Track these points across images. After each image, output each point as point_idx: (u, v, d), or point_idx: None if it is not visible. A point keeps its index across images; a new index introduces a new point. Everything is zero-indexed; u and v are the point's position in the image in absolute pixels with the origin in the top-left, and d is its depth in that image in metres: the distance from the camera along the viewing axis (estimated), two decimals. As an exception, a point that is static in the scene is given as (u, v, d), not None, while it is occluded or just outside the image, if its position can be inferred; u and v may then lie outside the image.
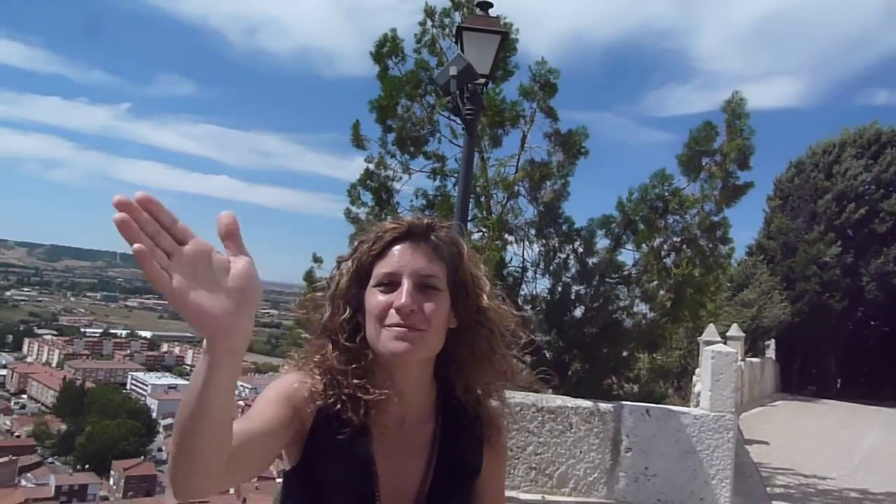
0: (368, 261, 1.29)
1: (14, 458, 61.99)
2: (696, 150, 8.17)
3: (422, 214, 1.39)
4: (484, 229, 8.32)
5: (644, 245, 8.38)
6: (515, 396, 7.03)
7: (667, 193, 8.21)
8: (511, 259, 8.71)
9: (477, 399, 1.35)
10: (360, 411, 1.24)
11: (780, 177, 28.81)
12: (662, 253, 8.43)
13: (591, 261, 8.49)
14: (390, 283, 1.25)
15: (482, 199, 8.55)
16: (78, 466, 66.71)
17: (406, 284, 1.24)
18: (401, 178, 9.04)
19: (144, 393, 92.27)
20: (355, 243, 1.34)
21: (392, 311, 1.23)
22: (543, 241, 8.50)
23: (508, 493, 6.66)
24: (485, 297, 1.33)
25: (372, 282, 1.28)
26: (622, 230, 8.43)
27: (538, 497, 6.69)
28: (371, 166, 8.98)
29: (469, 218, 8.27)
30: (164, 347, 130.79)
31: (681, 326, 10.14)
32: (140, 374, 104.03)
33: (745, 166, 8.17)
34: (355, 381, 1.25)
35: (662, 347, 9.83)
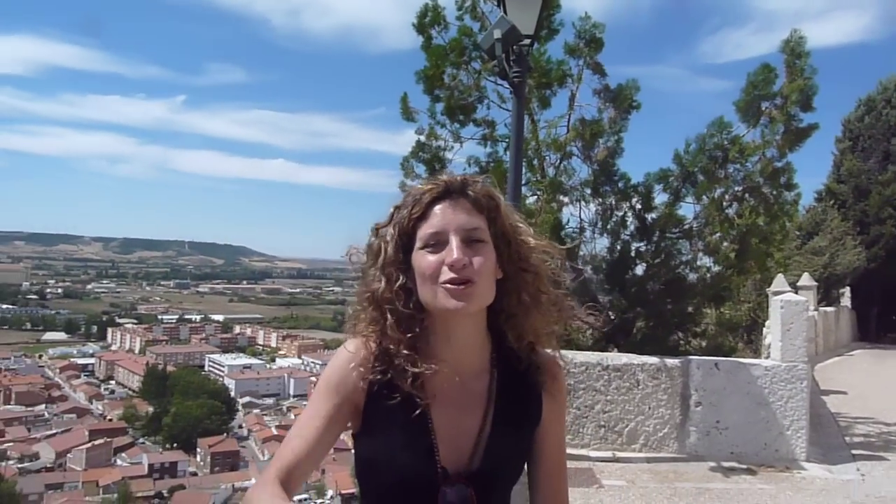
0: (410, 224, 1.32)
1: (109, 439, 65.76)
2: (754, 94, 7.88)
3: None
4: (539, 192, 8.28)
5: (704, 197, 8.18)
6: (578, 357, 7.06)
7: (726, 142, 7.96)
8: (568, 221, 8.66)
9: (531, 346, 1.39)
10: (409, 379, 1.30)
11: (849, 117, 27.38)
12: (724, 204, 8.21)
13: (650, 216, 8.35)
14: (437, 243, 1.29)
15: (535, 162, 8.49)
16: (167, 445, 70.20)
17: (454, 240, 1.27)
18: (452, 147, 9.06)
19: (222, 374, 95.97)
20: (392, 209, 1.36)
21: (444, 268, 1.26)
22: (599, 199, 8.40)
23: (579, 452, 6.73)
24: (525, 243, 1.36)
25: (418, 244, 1.31)
26: (681, 183, 8.25)
27: (609, 454, 6.73)
28: (422, 138, 9.03)
29: (523, 182, 8.26)
30: (237, 329, 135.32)
31: (748, 278, 9.90)
32: (216, 356, 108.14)
33: (808, 108, 7.84)
34: (406, 351, 1.29)
35: (729, 301, 9.62)
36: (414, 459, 1.29)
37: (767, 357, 7.59)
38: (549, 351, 1.43)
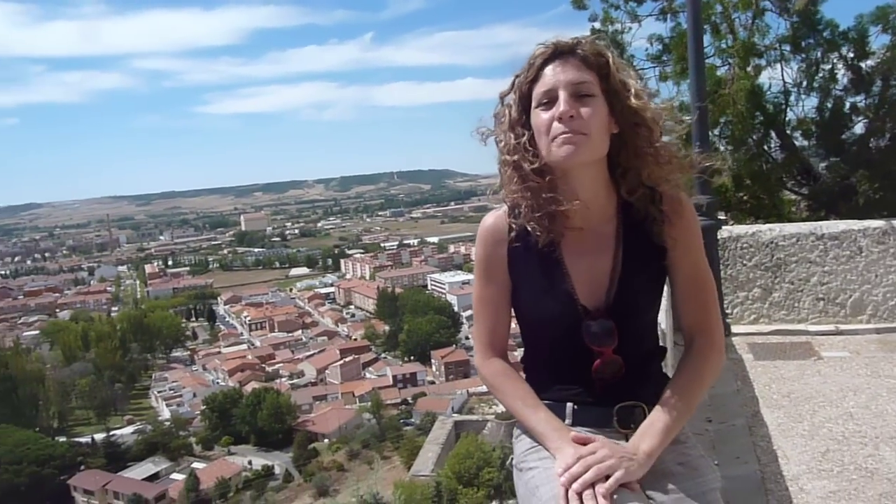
0: (527, 87, 1.46)
1: (356, 356, 74.06)
2: None
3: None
4: (730, 59, 7.62)
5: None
6: (787, 228, 6.60)
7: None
8: (769, 86, 7.90)
9: (651, 190, 1.48)
10: (547, 223, 1.46)
11: None
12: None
13: (867, 64, 7.32)
14: (549, 100, 1.41)
15: (722, 26, 7.78)
16: (405, 358, 77.38)
17: (562, 95, 1.39)
18: (629, 28, 8.60)
19: (443, 291, 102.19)
20: (514, 77, 1.49)
21: (555, 122, 1.40)
22: (802, 55, 7.53)
23: (796, 326, 6.38)
24: (636, 98, 1.43)
25: (533, 104, 1.45)
26: (905, 19, 7.09)
27: (831, 327, 6.31)
28: (596, 24, 8.70)
29: (710, 52, 7.65)
30: (451, 249, 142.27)
31: None
32: (436, 275, 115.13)
33: None
34: (544, 195, 1.44)
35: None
36: (556, 302, 1.47)
37: None
38: (671, 190, 1.50)
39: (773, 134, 7.94)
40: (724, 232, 5.91)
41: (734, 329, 5.82)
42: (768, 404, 4.07)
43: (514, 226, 1.51)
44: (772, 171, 7.93)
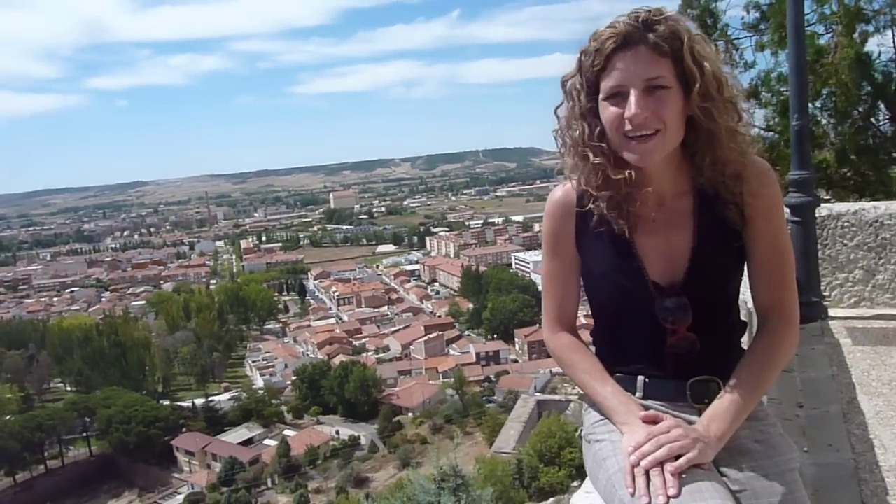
0: (594, 76, 1.38)
1: (440, 333, 75.03)
2: None
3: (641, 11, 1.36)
4: (834, 26, 7.14)
5: None
6: (894, 206, 6.16)
7: None
8: (878, 54, 7.34)
9: (728, 164, 1.42)
10: (622, 213, 1.43)
11: None
12: None
13: None
14: (619, 94, 1.34)
15: (827, -10, 7.28)
16: (488, 336, 77.72)
17: (633, 94, 1.32)
18: (725, -5, 8.18)
19: (528, 270, 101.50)
20: (579, 55, 1.41)
21: (626, 120, 1.34)
22: (917, 19, 6.94)
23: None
24: (714, 79, 1.36)
25: (602, 95, 1.38)
26: None
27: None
28: (691, -6, 8.31)
29: (812, 19, 7.21)
30: (536, 228, 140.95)
31: None
32: (521, 254, 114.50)
33: None
34: (614, 178, 1.41)
35: None
36: (625, 279, 1.45)
37: None
38: (752, 159, 1.45)
39: (881, 105, 7.39)
40: (824, 210, 5.59)
41: (832, 312, 5.51)
42: (866, 391, 3.86)
43: (582, 203, 1.49)
44: (880, 146, 7.40)
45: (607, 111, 1.37)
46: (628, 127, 1.34)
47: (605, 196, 1.43)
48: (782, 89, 7.39)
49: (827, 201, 6.35)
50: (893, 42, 7.18)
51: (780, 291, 1.48)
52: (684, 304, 1.41)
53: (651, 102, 1.32)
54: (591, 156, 1.42)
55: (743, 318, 1.58)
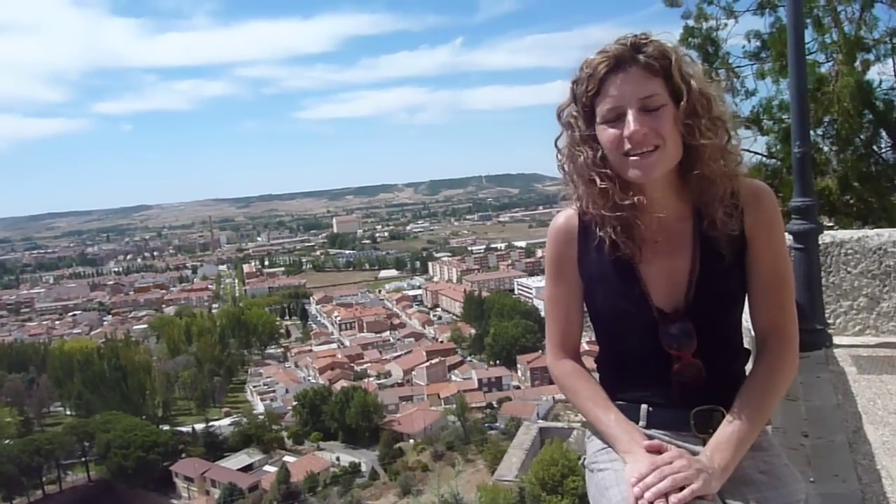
0: (589, 100, 1.40)
1: (442, 359, 74.67)
2: None
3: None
4: (834, 55, 7.19)
5: None
6: (898, 233, 6.16)
7: None
8: (879, 82, 7.38)
9: (724, 178, 1.41)
10: (627, 237, 1.43)
11: None
12: None
13: None
14: (616, 117, 1.36)
15: (826, 20, 7.35)
16: (491, 362, 77.31)
17: (630, 113, 1.34)
18: (725, 24, 8.26)
19: (530, 295, 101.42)
20: (571, 85, 1.43)
21: (625, 139, 1.35)
22: (917, 48, 7.00)
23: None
24: (701, 95, 1.38)
25: (598, 119, 1.39)
26: None
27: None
28: (690, 22, 8.38)
29: (813, 48, 7.27)
30: (539, 253, 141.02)
31: None
32: (523, 280, 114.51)
33: None
34: (616, 200, 1.41)
35: None
36: (629, 305, 1.44)
37: None
38: (748, 180, 1.45)
39: (883, 133, 7.41)
40: (827, 237, 5.57)
41: (836, 340, 5.47)
42: (872, 420, 3.81)
43: (584, 228, 1.49)
44: (882, 173, 7.41)
45: (606, 133, 1.38)
46: (628, 146, 1.35)
47: (612, 220, 1.43)
48: (784, 117, 7.42)
49: (830, 228, 6.34)
50: (894, 70, 7.24)
51: (780, 313, 1.47)
52: (689, 330, 1.41)
53: (648, 120, 1.34)
54: (597, 180, 1.42)
55: (747, 345, 1.56)
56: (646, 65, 1.35)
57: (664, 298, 1.43)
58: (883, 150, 7.43)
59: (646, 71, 1.35)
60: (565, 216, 1.53)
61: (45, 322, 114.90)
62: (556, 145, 1.51)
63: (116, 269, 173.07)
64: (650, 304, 1.43)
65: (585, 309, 1.56)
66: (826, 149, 7.53)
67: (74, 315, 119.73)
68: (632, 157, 1.35)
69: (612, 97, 1.36)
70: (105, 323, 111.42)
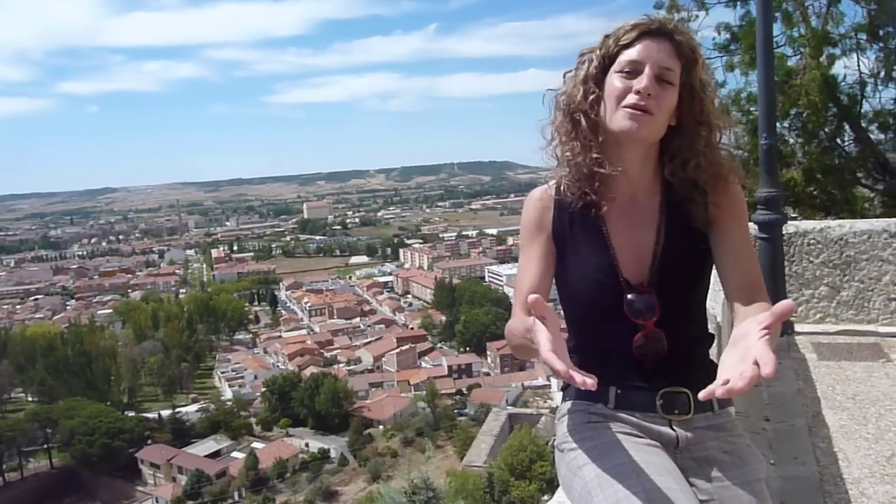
0: (616, 49, 1.46)
1: (413, 345, 74.80)
2: None
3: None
4: (801, 48, 7.33)
5: None
6: (858, 224, 6.33)
7: None
8: (843, 76, 7.56)
9: (696, 165, 1.47)
10: (594, 185, 1.47)
11: None
12: None
13: (952, 54, 6.93)
14: (633, 71, 1.43)
15: (795, 14, 7.48)
16: (461, 349, 77.65)
17: (648, 72, 1.41)
18: (696, 16, 8.37)
19: (501, 283, 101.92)
20: (602, 37, 1.50)
21: (631, 93, 1.42)
22: (880, 44, 7.18)
23: (865, 327, 6.13)
24: (710, 101, 1.47)
25: (615, 67, 1.46)
26: None
27: (903, 330, 6.03)
28: (661, 12, 8.46)
29: (781, 42, 7.40)
30: (510, 241, 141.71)
31: None
32: (494, 267, 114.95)
33: None
34: (594, 155, 1.46)
35: None
36: (599, 274, 1.48)
37: None
38: (717, 166, 1.50)
39: (846, 127, 7.60)
40: (790, 227, 5.71)
41: (798, 328, 5.63)
42: (831, 405, 3.93)
43: (559, 198, 1.53)
44: (845, 166, 7.60)
45: (615, 82, 1.44)
46: (631, 100, 1.41)
47: (579, 166, 1.48)
48: (751, 109, 7.56)
49: (794, 219, 6.49)
50: (858, 65, 7.42)
51: (757, 280, 1.49)
52: (651, 303, 1.44)
53: (657, 88, 1.41)
54: (579, 120, 1.47)
55: (711, 330, 1.60)
56: (678, 45, 1.44)
57: (631, 270, 1.47)
58: (846, 144, 7.62)
59: (675, 50, 1.44)
60: (541, 190, 1.58)
61: (5, 306, 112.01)
62: (538, 124, 1.55)
63: (80, 253, 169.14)
64: (618, 275, 1.46)
65: (555, 285, 1.58)
66: (792, 141, 7.70)
67: (37, 299, 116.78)
68: (629, 110, 1.41)
69: (639, 51, 1.43)
70: (68, 308, 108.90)
